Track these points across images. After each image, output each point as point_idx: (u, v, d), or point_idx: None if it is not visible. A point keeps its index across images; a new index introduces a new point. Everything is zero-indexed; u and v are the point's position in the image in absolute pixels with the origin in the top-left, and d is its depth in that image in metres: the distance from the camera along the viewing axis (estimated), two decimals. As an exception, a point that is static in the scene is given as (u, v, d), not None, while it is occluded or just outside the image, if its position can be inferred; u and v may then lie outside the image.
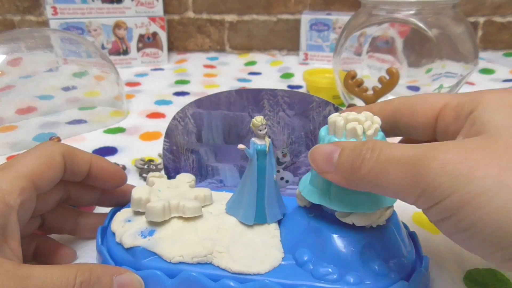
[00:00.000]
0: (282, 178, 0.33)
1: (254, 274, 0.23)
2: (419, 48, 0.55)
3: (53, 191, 0.26)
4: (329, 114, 0.24)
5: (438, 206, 0.17)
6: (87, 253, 0.30)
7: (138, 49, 0.84)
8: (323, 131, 0.24)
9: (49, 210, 0.28)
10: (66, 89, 0.55)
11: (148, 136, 0.51)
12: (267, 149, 0.25)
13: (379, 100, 0.49)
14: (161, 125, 0.54)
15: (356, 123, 0.22)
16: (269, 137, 0.26)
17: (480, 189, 0.16)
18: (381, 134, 0.23)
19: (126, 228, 0.26)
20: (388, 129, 0.25)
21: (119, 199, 0.31)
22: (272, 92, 0.31)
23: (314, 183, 0.24)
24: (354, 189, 0.21)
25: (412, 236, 0.27)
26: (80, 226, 0.30)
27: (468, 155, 0.17)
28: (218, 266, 0.23)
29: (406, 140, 0.27)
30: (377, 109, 0.25)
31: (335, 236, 0.23)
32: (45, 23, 0.89)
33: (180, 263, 0.24)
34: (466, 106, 0.21)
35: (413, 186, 0.17)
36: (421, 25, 0.48)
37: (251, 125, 0.25)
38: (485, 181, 0.16)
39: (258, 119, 0.25)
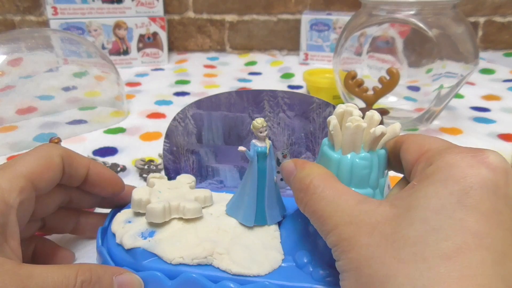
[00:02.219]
0: (282, 179, 0.33)
1: (254, 276, 0.23)
2: (419, 48, 0.55)
3: (54, 194, 0.27)
4: (329, 115, 0.24)
5: (336, 264, 0.20)
6: (87, 253, 0.30)
7: (138, 49, 0.84)
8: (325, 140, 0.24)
9: (49, 214, 0.28)
10: (66, 89, 0.55)
11: (148, 136, 0.52)
12: (267, 151, 0.25)
13: (379, 100, 0.49)
14: (161, 125, 0.54)
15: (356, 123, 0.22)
16: (269, 138, 0.26)
17: (348, 267, 0.19)
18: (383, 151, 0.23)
19: (127, 229, 0.26)
20: (396, 165, 0.24)
21: (120, 201, 0.31)
22: (273, 93, 0.31)
23: None
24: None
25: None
26: (81, 226, 0.30)
27: (360, 235, 0.19)
28: (218, 268, 0.23)
29: None
30: (390, 144, 0.24)
31: (335, 237, 0.23)
32: (45, 23, 0.89)
33: (180, 264, 0.24)
34: (430, 159, 0.20)
35: (327, 241, 0.20)
36: (421, 25, 0.48)
37: (251, 127, 0.25)
38: (350, 261, 0.19)
39: (259, 121, 0.25)
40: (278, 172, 0.33)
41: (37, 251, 0.28)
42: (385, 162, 0.24)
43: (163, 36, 0.84)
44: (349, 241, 0.19)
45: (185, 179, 0.30)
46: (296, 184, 0.22)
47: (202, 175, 0.34)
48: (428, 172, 0.19)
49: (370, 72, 0.59)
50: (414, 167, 0.21)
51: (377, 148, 0.23)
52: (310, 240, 0.24)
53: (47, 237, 0.30)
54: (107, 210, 0.31)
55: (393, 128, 0.23)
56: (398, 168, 0.24)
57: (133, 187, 0.29)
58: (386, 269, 0.17)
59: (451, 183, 0.17)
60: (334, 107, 0.30)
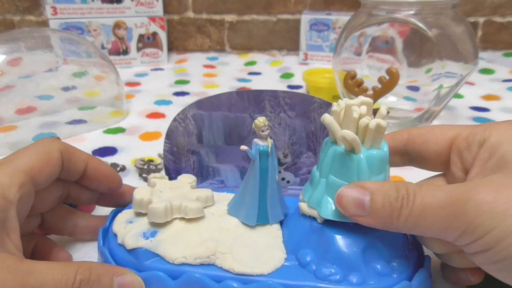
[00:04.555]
0: (283, 179, 0.33)
1: (257, 275, 0.23)
2: (419, 48, 0.55)
3: (53, 188, 0.27)
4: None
5: (477, 242, 0.19)
6: (87, 253, 0.30)
7: (138, 49, 0.84)
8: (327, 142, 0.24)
9: (49, 209, 0.28)
10: (66, 89, 0.55)
11: (148, 136, 0.51)
12: (269, 150, 0.25)
13: (379, 100, 0.49)
14: (161, 125, 0.54)
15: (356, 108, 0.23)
16: (271, 138, 0.26)
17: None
18: (385, 145, 0.24)
19: (128, 229, 0.26)
20: (400, 159, 0.26)
21: (119, 199, 0.31)
22: (273, 93, 0.31)
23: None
24: (386, 230, 0.22)
25: (414, 236, 0.27)
26: (78, 228, 0.30)
27: (499, 193, 0.19)
28: (221, 267, 0.23)
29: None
30: (388, 138, 0.25)
31: (337, 236, 0.23)
32: (45, 23, 0.89)
33: (183, 264, 0.24)
34: (478, 136, 0.22)
35: (452, 228, 0.19)
36: (421, 25, 0.48)
37: (253, 126, 0.25)
38: None
39: (261, 120, 0.25)
40: (279, 172, 0.33)
41: (36, 249, 0.28)
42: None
43: (162, 36, 0.84)
44: (498, 201, 0.18)
45: (186, 179, 0.30)
46: (383, 201, 0.21)
47: (203, 175, 0.34)
48: (492, 145, 0.21)
49: (369, 72, 0.59)
50: (456, 154, 0.23)
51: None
52: (312, 239, 0.24)
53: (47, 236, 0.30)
54: (106, 213, 0.31)
55: (380, 113, 0.23)
56: (417, 162, 0.25)
57: (133, 188, 0.29)
58: None
59: None
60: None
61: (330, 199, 0.23)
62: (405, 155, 0.26)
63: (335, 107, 0.23)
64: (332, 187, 0.23)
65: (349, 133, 0.22)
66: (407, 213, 0.20)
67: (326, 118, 0.23)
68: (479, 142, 0.22)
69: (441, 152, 0.24)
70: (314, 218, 0.25)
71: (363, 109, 0.23)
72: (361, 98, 0.23)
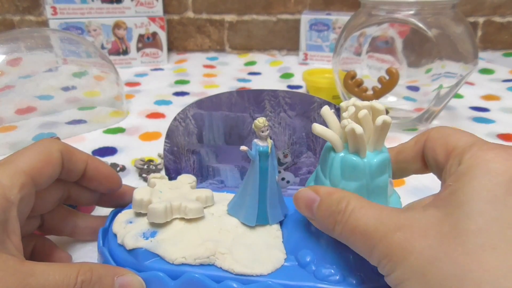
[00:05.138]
0: (283, 179, 0.33)
1: (257, 276, 0.23)
2: (419, 48, 0.55)
3: (53, 189, 0.27)
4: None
5: (386, 278, 0.19)
6: (86, 254, 0.30)
7: (138, 49, 0.84)
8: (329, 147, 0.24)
9: (49, 210, 0.28)
10: (66, 89, 0.55)
11: (147, 136, 0.51)
12: (269, 150, 0.25)
13: (379, 100, 0.49)
14: (161, 125, 0.54)
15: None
16: (271, 138, 0.26)
17: (407, 275, 0.18)
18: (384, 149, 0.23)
19: (128, 229, 0.26)
20: (421, 164, 0.24)
21: (118, 200, 0.31)
22: (273, 93, 0.31)
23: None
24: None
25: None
26: (78, 229, 0.30)
27: (412, 239, 0.18)
28: (220, 268, 0.23)
29: None
30: (411, 143, 0.25)
31: (337, 237, 0.23)
32: (44, 23, 0.89)
33: (183, 264, 0.24)
34: (459, 155, 0.20)
35: (371, 257, 0.20)
36: (420, 25, 0.48)
37: (253, 126, 0.25)
38: (412, 268, 0.18)
39: (261, 121, 0.25)
40: (279, 172, 0.33)
41: (36, 250, 0.28)
42: None
43: (162, 36, 0.84)
44: (403, 248, 0.18)
45: (186, 179, 0.30)
46: (325, 210, 0.21)
47: (203, 175, 0.34)
48: (463, 170, 0.19)
49: (369, 72, 0.59)
50: (445, 168, 0.21)
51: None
52: (312, 239, 0.24)
53: (47, 237, 0.30)
54: (106, 213, 0.31)
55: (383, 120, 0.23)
56: (422, 169, 0.24)
57: (133, 188, 0.29)
58: (458, 267, 0.16)
59: (494, 176, 0.18)
60: (335, 107, 0.30)
61: None
62: (423, 161, 0.25)
63: (345, 114, 0.23)
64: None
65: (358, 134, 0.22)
66: (340, 228, 0.21)
67: (316, 128, 0.23)
68: (459, 162, 0.20)
69: (440, 163, 0.22)
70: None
71: (363, 112, 0.23)
72: (372, 102, 0.23)
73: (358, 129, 0.21)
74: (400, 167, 0.25)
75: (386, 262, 0.19)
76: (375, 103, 0.23)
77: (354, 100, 0.23)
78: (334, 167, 0.23)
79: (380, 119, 0.22)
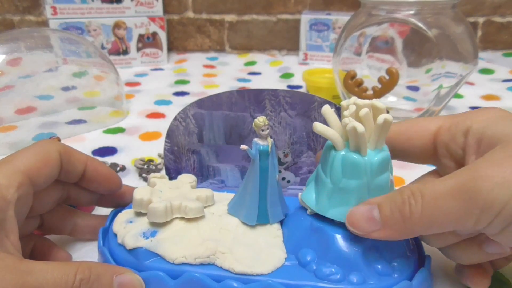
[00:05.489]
0: (283, 178, 0.33)
1: (257, 275, 0.23)
2: (419, 48, 0.55)
3: (52, 190, 0.27)
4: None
5: (498, 217, 0.19)
6: (86, 253, 0.30)
7: (138, 49, 0.84)
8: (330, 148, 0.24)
9: (48, 210, 0.28)
10: (66, 89, 0.55)
11: (147, 136, 0.51)
12: (269, 149, 0.25)
13: (379, 100, 0.49)
14: (161, 125, 0.54)
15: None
16: (271, 137, 0.26)
17: None
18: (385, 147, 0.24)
19: (128, 229, 0.26)
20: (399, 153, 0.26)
21: (118, 200, 0.31)
22: (274, 93, 0.31)
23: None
24: (406, 238, 0.22)
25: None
26: (78, 228, 0.30)
27: (503, 165, 0.19)
28: (221, 267, 0.23)
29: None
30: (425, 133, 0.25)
31: (338, 236, 0.23)
32: (44, 23, 0.89)
33: (183, 264, 0.24)
34: (461, 126, 0.23)
35: (470, 210, 0.19)
36: (420, 25, 0.48)
37: (253, 125, 0.25)
38: None
39: (261, 120, 0.25)
40: (279, 171, 0.33)
41: (35, 250, 0.28)
42: None
43: (162, 36, 0.84)
44: (501, 184, 0.18)
45: (186, 179, 0.30)
46: (391, 207, 0.21)
47: (203, 175, 0.34)
48: (485, 132, 0.22)
49: (369, 72, 0.59)
50: (441, 146, 0.23)
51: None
52: (313, 238, 0.24)
53: (46, 236, 0.30)
54: (106, 212, 0.31)
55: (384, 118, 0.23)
56: (403, 157, 0.26)
57: (133, 188, 0.29)
58: None
59: (496, 118, 0.22)
60: (335, 106, 0.30)
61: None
62: (391, 152, 0.25)
63: (346, 112, 0.23)
64: (344, 190, 0.23)
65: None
66: (419, 210, 0.20)
67: (317, 126, 0.23)
68: (463, 131, 0.23)
69: (426, 147, 0.24)
70: (314, 218, 0.25)
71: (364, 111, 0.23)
72: (373, 101, 0.23)
73: (360, 127, 0.22)
74: (403, 150, 0.26)
75: (492, 202, 0.18)
76: (375, 102, 0.23)
77: (354, 99, 0.23)
78: (335, 165, 0.23)
79: (382, 117, 0.22)
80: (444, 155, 0.24)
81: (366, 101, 0.23)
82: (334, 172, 0.23)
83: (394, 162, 0.26)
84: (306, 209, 0.26)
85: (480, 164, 0.19)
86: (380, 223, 0.21)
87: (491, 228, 0.19)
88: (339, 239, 0.23)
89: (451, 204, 0.19)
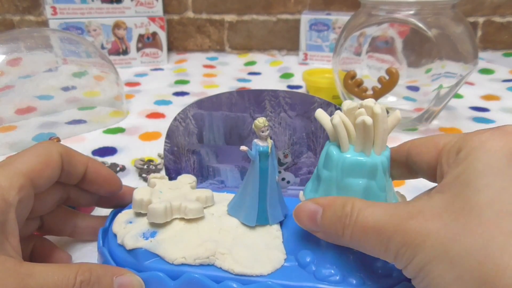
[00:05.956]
0: (283, 179, 0.33)
1: (257, 276, 0.23)
2: (419, 48, 0.55)
3: (52, 191, 0.27)
4: (331, 115, 0.24)
5: (405, 270, 0.19)
6: (86, 254, 0.30)
7: (138, 49, 0.84)
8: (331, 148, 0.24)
9: (48, 211, 0.28)
10: (66, 89, 0.55)
11: (147, 136, 0.51)
12: (269, 150, 0.25)
13: (378, 100, 0.49)
14: (161, 125, 0.54)
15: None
16: (271, 138, 0.26)
17: (429, 258, 0.18)
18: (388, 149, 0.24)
19: (128, 229, 0.26)
20: (404, 171, 0.26)
21: (118, 201, 0.31)
22: (274, 93, 0.31)
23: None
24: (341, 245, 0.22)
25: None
26: (78, 229, 0.30)
27: (426, 222, 0.18)
28: (220, 268, 0.23)
29: None
30: (393, 151, 0.25)
31: (337, 237, 0.23)
32: (44, 23, 0.89)
33: (183, 264, 0.24)
34: (458, 144, 0.21)
35: (387, 251, 0.19)
36: (420, 25, 0.48)
37: (253, 126, 0.25)
38: (433, 249, 0.18)
39: (261, 121, 0.25)
40: (279, 172, 0.33)
41: (35, 250, 0.28)
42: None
43: (162, 36, 0.84)
44: (419, 233, 0.18)
45: (186, 179, 0.30)
46: (331, 217, 0.21)
47: (203, 175, 0.34)
48: (462, 156, 0.20)
49: (369, 72, 0.59)
50: (439, 164, 0.22)
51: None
52: (312, 240, 0.24)
53: (46, 237, 0.30)
54: (106, 213, 0.31)
55: (396, 115, 0.23)
56: (408, 174, 0.25)
57: (133, 188, 0.29)
58: (479, 237, 0.17)
59: (493, 152, 0.19)
60: (335, 107, 0.30)
61: None
62: (408, 168, 0.25)
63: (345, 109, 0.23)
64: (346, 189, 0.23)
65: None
66: (349, 231, 0.20)
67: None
68: (457, 151, 0.21)
69: (430, 164, 0.23)
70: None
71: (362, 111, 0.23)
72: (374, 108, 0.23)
73: (368, 119, 0.22)
74: (415, 164, 0.25)
75: (405, 250, 0.18)
76: (371, 103, 0.23)
77: (356, 104, 0.23)
78: (338, 164, 0.23)
79: (360, 118, 0.22)
80: (439, 173, 0.23)
81: (369, 103, 0.23)
82: (337, 170, 0.23)
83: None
84: None
85: (405, 214, 0.19)
86: (319, 226, 0.22)
87: (405, 273, 0.20)
88: (339, 240, 0.23)
89: (375, 239, 0.20)
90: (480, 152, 0.19)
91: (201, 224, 0.26)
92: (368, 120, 0.22)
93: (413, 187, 0.39)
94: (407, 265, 0.19)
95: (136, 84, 0.74)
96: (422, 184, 0.40)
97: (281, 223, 0.27)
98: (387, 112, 0.23)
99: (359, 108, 0.23)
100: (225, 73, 0.81)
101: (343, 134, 0.23)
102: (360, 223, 0.20)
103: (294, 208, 0.23)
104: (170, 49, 0.94)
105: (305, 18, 0.84)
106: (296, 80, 0.76)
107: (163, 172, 0.38)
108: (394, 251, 0.19)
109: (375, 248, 0.20)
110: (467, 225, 0.17)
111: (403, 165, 0.25)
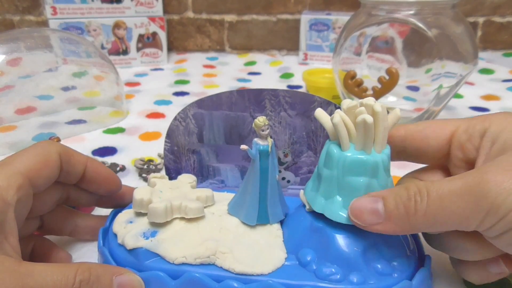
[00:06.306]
0: (283, 178, 0.33)
1: (258, 275, 0.23)
2: (419, 48, 0.55)
3: (51, 191, 0.27)
4: (331, 114, 0.24)
5: (501, 222, 0.19)
6: (85, 254, 0.30)
7: (138, 49, 0.84)
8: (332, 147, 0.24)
9: (48, 211, 0.28)
10: (66, 89, 0.55)
11: (147, 136, 0.51)
12: (269, 149, 0.25)
13: (378, 100, 0.49)
14: (161, 125, 0.54)
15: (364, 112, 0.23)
16: (271, 137, 0.26)
17: None
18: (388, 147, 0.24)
19: (128, 229, 0.26)
20: (397, 154, 0.26)
21: (118, 201, 0.31)
22: (274, 92, 0.31)
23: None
24: (407, 233, 0.22)
25: (415, 235, 0.27)
26: (78, 228, 0.30)
27: (505, 178, 0.19)
28: (221, 267, 0.23)
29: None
30: (399, 136, 0.26)
31: (338, 236, 0.23)
32: (44, 23, 0.89)
33: (183, 264, 0.24)
34: (478, 126, 0.23)
35: (475, 211, 0.19)
36: (420, 25, 0.48)
37: (253, 125, 0.25)
38: None
39: (261, 120, 0.25)
40: (279, 171, 0.33)
41: (35, 250, 0.28)
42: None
43: (162, 36, 0.84)
44: (506, 182, 0.19)
45: (186, 179, 0.30)
46: (397, 202, 0.21)
47: (203, 175, 0.34)
48: (500, 136, 0.22)
49: (369, 72, 0.59)
50: (456, 148, 0.23)
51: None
52: (313, 238, 0.24)
53: (46, 236, 0.30)
54: (106, 212, 0.30)
55: (395, 113, 0.24)
56: (415, 157, 0.26)
57: (133, 188, 0.29)
58: None
59: None
60: (335, 106, 0.30)
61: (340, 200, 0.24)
62: (401, 152, 0.26)
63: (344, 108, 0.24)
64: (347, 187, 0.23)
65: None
66: (424, 207, 0.20)
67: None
68: (480, 132, 0.23)
69: (441, 147, 0.24)
70: (314, 218, 0.25)
71: (362, 110, 0.23)
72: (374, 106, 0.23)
73: (369, 118, 0.22)
74: (417, 150, 0.26)
75: (497, 207, 0.18)
76: (372, 101, 0.23)
77: (355, 102, 0.23)
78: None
79: (361, 117, 0.22)
80: (456, 156, 0.24)
81: (369, 102, 0.23)
82: (338, 168, 0.23)
83: (395, 162, 0.27)
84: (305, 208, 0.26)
85: (489, 168, 0.20)
86: (383, 216, 0.21)
87: (491, 231, 0.20)
88: (339, 239, 0.23)
89: (457, 204, 0.19)
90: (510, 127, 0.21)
91: (201, 223, 0.26)
92: (369, 118, 0.22)
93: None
94: (505, 216, 0.19)
95: (136, 84, 0.74)
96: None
97: (281, 222, 0.27)
98: (387, 111, 0.23)
99: (359, 107, 0.23)
100: (225, 73, 0.81)
101: (343, 133, 0.23)
102: (435, 194, 0.20)
103: (349, 208, 0.22)
104: (170, 49, 0.94)
105: (305, 18, 0.84)
106: (296, 80, 0.76)
107: (163, 172, 0.38)
108: (486, 205, 0.19)
109: (455, 215, 0.19)
110: None
111: (394, 150, 0.25)
